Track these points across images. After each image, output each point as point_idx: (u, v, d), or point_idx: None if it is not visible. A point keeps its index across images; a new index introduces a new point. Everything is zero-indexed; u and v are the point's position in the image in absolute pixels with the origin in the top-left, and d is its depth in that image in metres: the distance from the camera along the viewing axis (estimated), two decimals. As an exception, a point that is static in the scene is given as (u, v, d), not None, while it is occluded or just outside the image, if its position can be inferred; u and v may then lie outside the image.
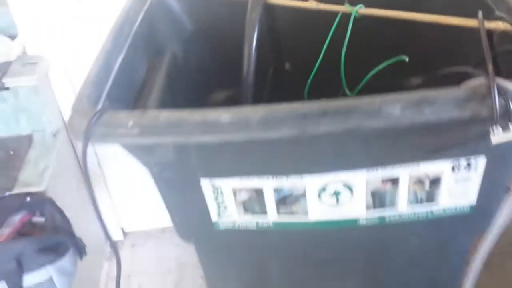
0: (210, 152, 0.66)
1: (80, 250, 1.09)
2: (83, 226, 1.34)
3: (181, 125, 0.60)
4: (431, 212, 0.72)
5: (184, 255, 1.57)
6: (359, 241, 0.77)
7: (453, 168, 0.67)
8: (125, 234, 1.66)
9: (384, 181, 0.68)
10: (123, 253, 1.59)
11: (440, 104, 0.56)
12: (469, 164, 0.66)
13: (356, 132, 0.58)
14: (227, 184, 0.70)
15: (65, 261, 1.04)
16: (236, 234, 0.77)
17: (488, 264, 1.48)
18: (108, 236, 0.79)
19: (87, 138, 0.61)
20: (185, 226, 0.79)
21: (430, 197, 0.70)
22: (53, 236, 1.02)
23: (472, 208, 0.72)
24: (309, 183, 0.68)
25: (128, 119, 0.61)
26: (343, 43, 0.83)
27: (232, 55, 0.91)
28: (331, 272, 0.84)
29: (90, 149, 1.60)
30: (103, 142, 0.62)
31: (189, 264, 1.55)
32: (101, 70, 0.71)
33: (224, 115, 0.59)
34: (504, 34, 0.67)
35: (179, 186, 0.72)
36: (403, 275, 0.86)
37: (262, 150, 0.65)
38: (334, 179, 0.68)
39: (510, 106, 0.55)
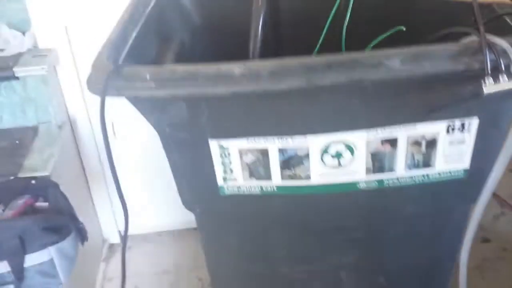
0: (221, 109, 0.70)
1: (82, 234, 1.11)
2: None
3: (195, 77, 0.64)
4: (427, 176, 0.76)
5: (180, 257, 1.58)
6: (359, 207, 0.80)
7: (447, 130, 0.71)
8: (121, 236, 1.67)
9: (384, 142, 0.72)
10: (119, 255, 1.59)
11: (436, 57, 0.61)
12: (463, 125, 0.71)
13: (359, 84, 0.62)
14: (235, 145, 0.73)
15: (67, 243, 1.05)
16: (240, 200, 0.80)
17: (482, 269, 1.52)
18: (125, 209, 0.80)
19: (105, 90, 0.65)
20: (191, 192, 0.82)
21: (427, 160, 0.74)
22: (56, 217, 1.04)
23: (466, 172, 0.76)
24: (312, 143, 0.72)
25: (146, 72, 0.65)
26: (342, 28, 0.88)
27: (237, 49, 0.97)
28: (331, 243, 0.86)
29: (92, 147, 1.61)
30: (120, 95, 0.66)
31: (185, 266, 1.55)
32: (118, 37, 0.75)
33: (236, 67, 0.63)
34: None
35: (189, 148, 0.75)
36: (402, 247, 0.88)
37: (270, 107, 0.69)
38: (336, 139, 0.72)
39: (500, 60, 0.61)
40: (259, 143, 0.73)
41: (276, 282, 0.94)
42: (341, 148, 0.73)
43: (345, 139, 0.72)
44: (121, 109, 1.25)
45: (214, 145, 0.74)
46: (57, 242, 1.02)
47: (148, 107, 0.71)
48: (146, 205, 1.63)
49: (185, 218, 1.60)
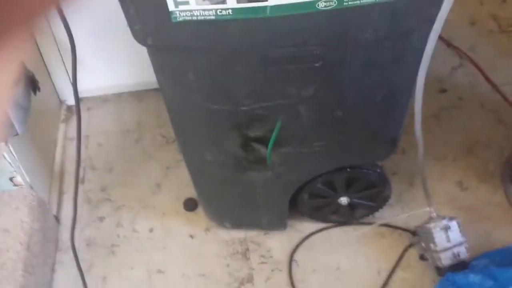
0: None
1: (33, 83, 1.06)
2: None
3: None
4: (389, -10, 0.73)
5: (143, 116, 1.57)
6: (318, 31, 0.78)
7: None
8: (80, 99, 1.62)
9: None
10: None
11: None
12: None
13: None
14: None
15: (18, 92, 1.01)
16: (194, 28, 0.76)
17: (439, 118, 1.58)
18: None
19: None
20: (141, 20, 0.77)
21: (388, -27, 0.71)
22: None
23: (428, -12, 0.73)
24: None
25: None
26: None
27: None
28: (289, 74, 0.85)
29: None
30: None
31: (148, 124, 1.55)
32: None
33: None
34: None
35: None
36: (360, 78, 0.88)
37: None
38: None
39: None
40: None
41: (236, 119, 0.94)
42: (299, -41, 0.68)
43: None
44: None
45: (161, -41, 0.68)
46: (6, 90, 0.98)
47: None
48: (104, 66, 1.57)
49: (145, 79, 1.56)
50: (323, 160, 1.07)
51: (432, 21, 0.79)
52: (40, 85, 1.44)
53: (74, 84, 1.00)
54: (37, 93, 1.19)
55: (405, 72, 0.90)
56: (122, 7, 0.76)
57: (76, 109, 1.05)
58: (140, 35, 0.80)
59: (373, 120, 1.00)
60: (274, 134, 0.94)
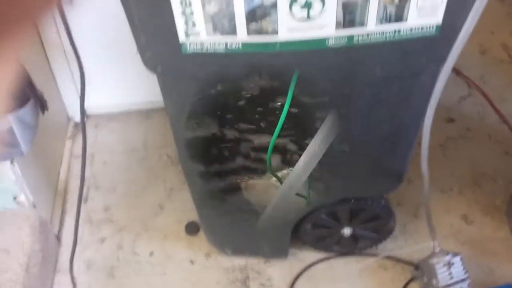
0: None
1: (42, 103, 1.07)
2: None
3: None
4: (399, 31, 0.72)
5: (149, 135, 1.57)
6: (327, 68, 0.78)
7: (423, -22, 0.67)
8: (87, 116, 1.63)
9: (356, -8, 0.68)
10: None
11: None
12: (439, -27, 0.66)
13: None
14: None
15: (26, 111, 1.01)
16: (204, 60, 0.76)
17: (445, 148, 1.56)
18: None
19: None
20: (152, 49, 0.77)
21: (399, 14, 0.70)
22: (11, 83, 0.98)
23: (438, 28, 0.73)
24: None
25: None
26: None
27: None
28: (297, 109, 0.85)
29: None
30: None
31: (154, 143, 1.54)
32: None
33: None
34: None
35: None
36: (368, 114, 0.88)
37: None
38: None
39: None
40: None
41: (242, 147, 0.93)
42: (311, -3, 0.68)
43: (315, -14, 0.67)
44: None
45: (173, -8, 0.68)
46: (15, 110, 0.98)
47: None
48: (113, 84, 1.58)
49: (153, 98, 1.57)
50: (328, 191, 1.06)
51: (442, 61, 0.79)
52: (49, 101, 1.45)
53: (82, 100, 0.99)
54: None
55: (413, 109, 0.90)
56: (134, 34, 0.76)
57: (82, 127, 1.04)
58: (150, 63, 0.80)
59: (380, 154, 0.99)
60: (287, 100, 0.84)
